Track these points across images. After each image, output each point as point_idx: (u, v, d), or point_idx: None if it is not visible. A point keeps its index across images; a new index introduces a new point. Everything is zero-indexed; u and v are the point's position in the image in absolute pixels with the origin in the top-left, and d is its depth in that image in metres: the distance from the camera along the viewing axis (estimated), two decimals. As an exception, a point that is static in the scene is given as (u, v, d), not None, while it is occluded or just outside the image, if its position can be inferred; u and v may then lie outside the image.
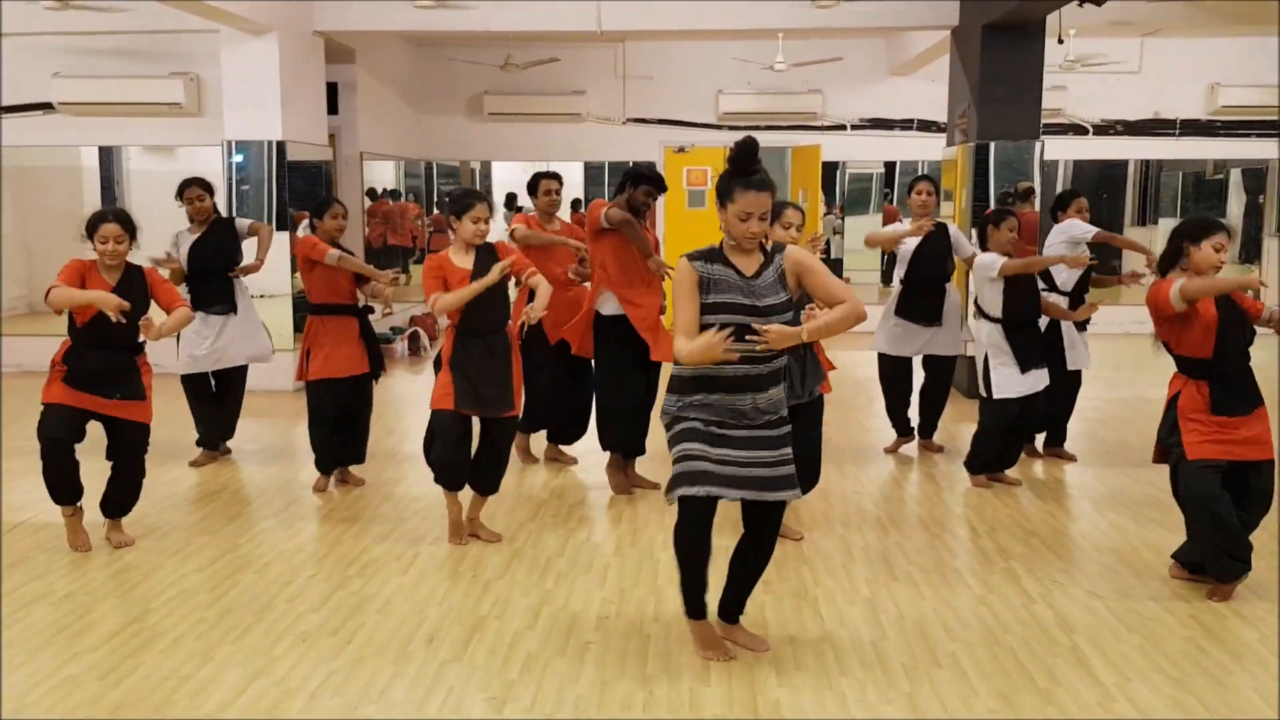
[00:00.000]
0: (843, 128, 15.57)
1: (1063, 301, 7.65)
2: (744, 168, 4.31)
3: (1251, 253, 16.13)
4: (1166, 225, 15.65)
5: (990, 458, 7.33)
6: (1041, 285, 7.49)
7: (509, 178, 17.19)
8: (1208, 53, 14.83)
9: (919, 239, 7.97)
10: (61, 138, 12.69)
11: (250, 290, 8.29)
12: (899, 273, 8.18)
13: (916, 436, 8.41)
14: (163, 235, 7.93)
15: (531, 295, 6.04)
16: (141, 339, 5.89)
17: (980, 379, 7.27)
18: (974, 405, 8.35)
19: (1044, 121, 10.53)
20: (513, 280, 6.10)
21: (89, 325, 5.82)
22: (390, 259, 15.75)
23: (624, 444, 7.27)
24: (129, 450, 6.12)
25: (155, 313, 5.99)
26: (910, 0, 10.77)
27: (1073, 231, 7.73)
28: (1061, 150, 15.08)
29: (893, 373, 8.25)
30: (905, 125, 15.50)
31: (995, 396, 7.12)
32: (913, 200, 8.10)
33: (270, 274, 8.54)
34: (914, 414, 8.40)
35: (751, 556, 4.67)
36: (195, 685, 4.45)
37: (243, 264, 8.09)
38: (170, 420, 8.05)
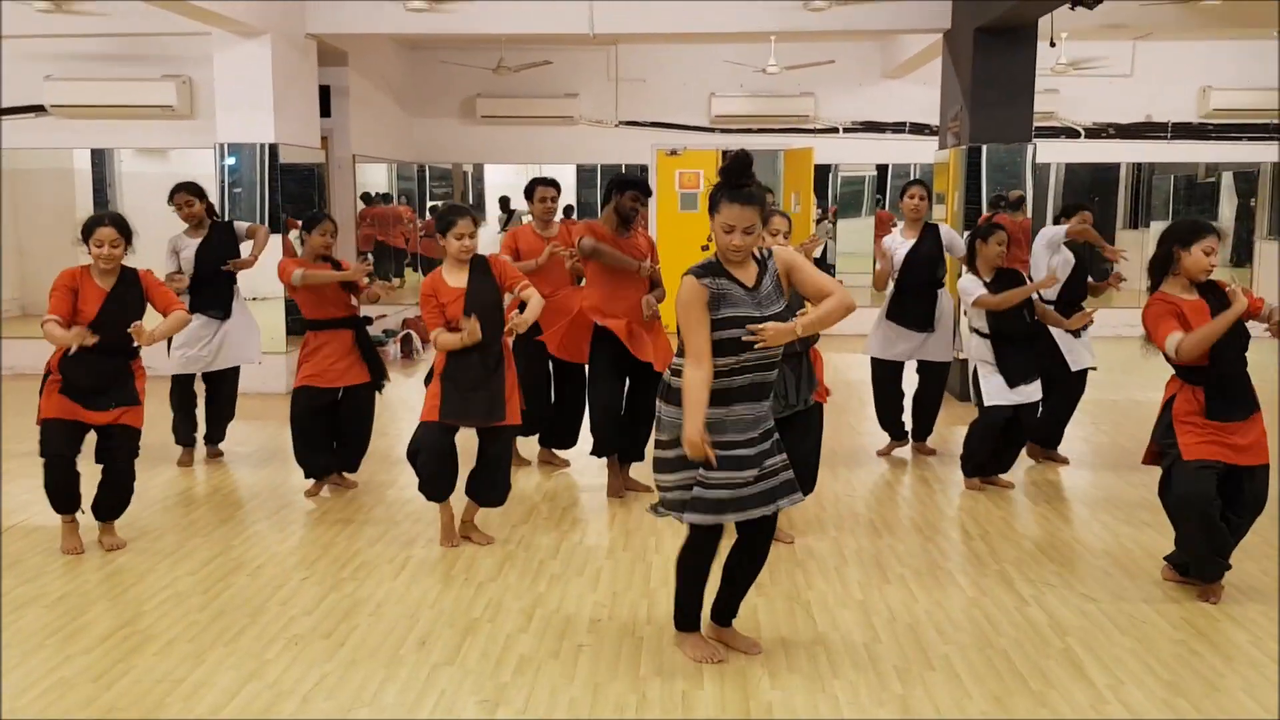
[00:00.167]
0: (835, 131, 15.58)
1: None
2: (734, 181, 4.32)
3: (1243, 256, 16.16)
4: (1158, 228, 15.64)
5: (981, 460, 7.34)
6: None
7: (502, 180, 17.19)
8: (1199, 56, 14.87)
9: (912, 242, 7.98)
10: (54, 140, 12.67)
11: (244, 293, 8.29)
12: (892, 276, 8.18)
13: (910, 440, 8.41)
14: (155, 239, 7.89)
15: (522, 307, 6.06)
16: (135, 344, 5.89)
17: (972, 389, 7.29)
18: (967, 409, 8.38)
19: (1036, 125, 10.54)
20: (509, 296, 6.13)
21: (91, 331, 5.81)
22: (383, 260, 15.75)
23: (615, 448, 7.26)
24: (120, 454, 6.11)
25: (153, 317, 5.99)
26: (902, 2, 10.79)
27: (1048, 235, 7.74)
28: (1054, 153, 15.10)
29: (883, 376, 8.25)
30: (897, 128, 15.51)
31: (987, 404, 7.13)
32: (905, 205, 8.11)
33: (263, 277, 8.53)
34: (907, 418, 8.40)
35: (746, 561, 4.67)
36: (188, 688, 4.44)
37: (238, 260, 8.08)
38: (162, 423, 8.04)
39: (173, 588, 5.58)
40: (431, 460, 6.01)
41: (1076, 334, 7.66)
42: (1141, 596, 5.44)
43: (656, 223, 14.64)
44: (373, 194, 15.19)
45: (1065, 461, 8.04)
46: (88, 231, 5.92)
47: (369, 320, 7.37)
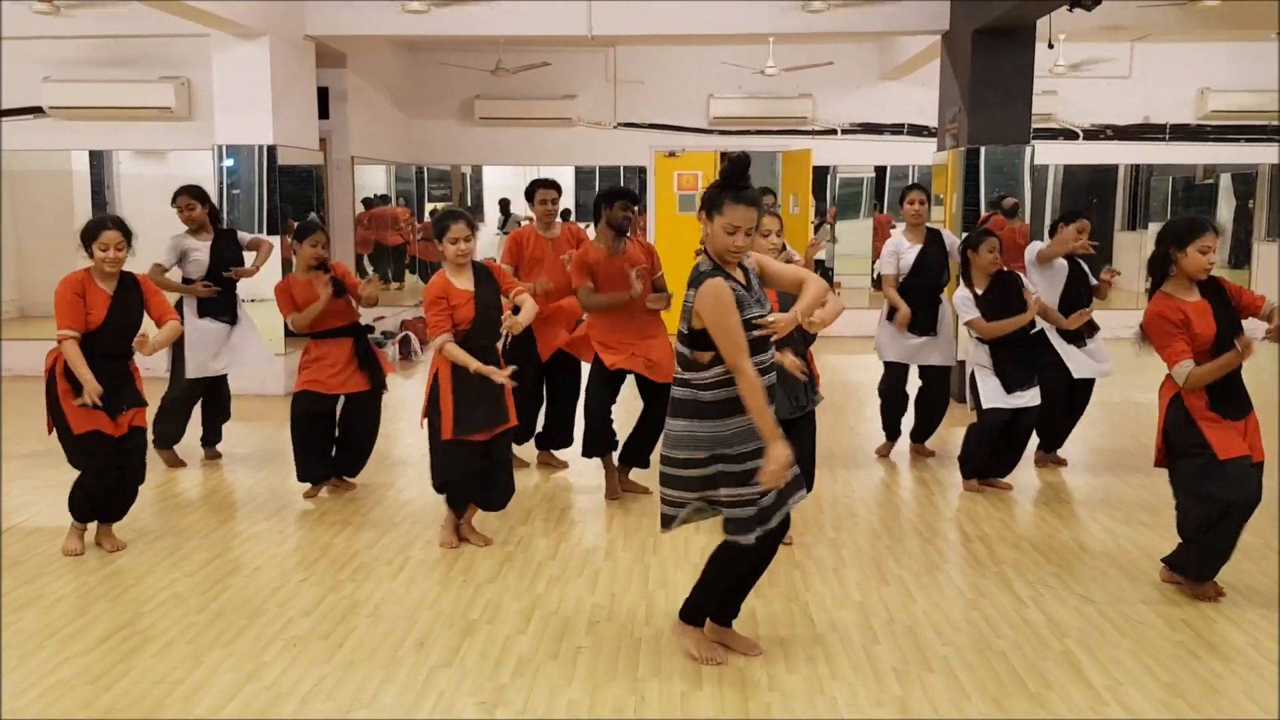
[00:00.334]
0: (833, 132, 15.58)
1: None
2: (736, 182, 4.34)
3: (1241, 257, 16.18)
4: (1156, 230, 15.66)
5: (978, 463, 7.34)
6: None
7: (500, 182, 17.21)
8: (1197, 58, 14.89)
9: (919, 248, 7.98)
10: (52, 142, 12.67)
11: (242, 295, 8.29)
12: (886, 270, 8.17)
13: (909, 441, 8.41)
14: (154, 240, 7.88)
15: (515, 310, 6.07)
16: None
17: (969, 392, 7.29)
18: (965, 411, 8.36)
19: (1034, 126, 10.53)
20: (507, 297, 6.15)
21: (85, 338, 5.80)
22: (381, 262, 15.76)
23: (606, 450, 7.27)
24: (136, 457, 6.12)
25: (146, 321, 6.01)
26: (900, 3, 10.79)
27: (1029, 256, 7.68)
28: (1052, 155, 15.12)
29: (896, 379, 8.22)
30: (896, 130, 15.52)
31: (985, 406, 7.13)
32: (906, 210, 8.11)
33: (262, 281, 8.52)
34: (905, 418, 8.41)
35: (756, 562, 4.67)
36: (186, 689, 4.44)
37: (240, 267, 8.09)
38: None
39: (171, 589, 5.58)
40: (471, 483, 6.08)
41: (1083, 342, 7.62)
42: (1140, 598, 5.44)
43: (655, 224, 14.66)
44: (372, 196, 15.21)
45: (1064, 463, 8.04)
46: (91, 235, 5.85)
47: (370, 329, 7.35)
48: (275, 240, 9.45)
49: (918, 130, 15.22)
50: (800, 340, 5.77)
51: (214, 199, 8.40)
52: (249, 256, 8.22)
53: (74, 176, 13.38)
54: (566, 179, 16.19)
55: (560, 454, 8.09)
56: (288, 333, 10.59)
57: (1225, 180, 16.48)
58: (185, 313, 7.79)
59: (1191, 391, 5.21)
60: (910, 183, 9.11)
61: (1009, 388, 7.06)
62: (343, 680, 4.52)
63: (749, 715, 4.22)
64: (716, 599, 4.72)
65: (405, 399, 10.62)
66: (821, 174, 16.01)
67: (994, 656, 4.75)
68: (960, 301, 7.16)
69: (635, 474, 7.35)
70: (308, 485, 7.22)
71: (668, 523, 4.56)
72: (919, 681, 4.50)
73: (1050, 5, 9.08)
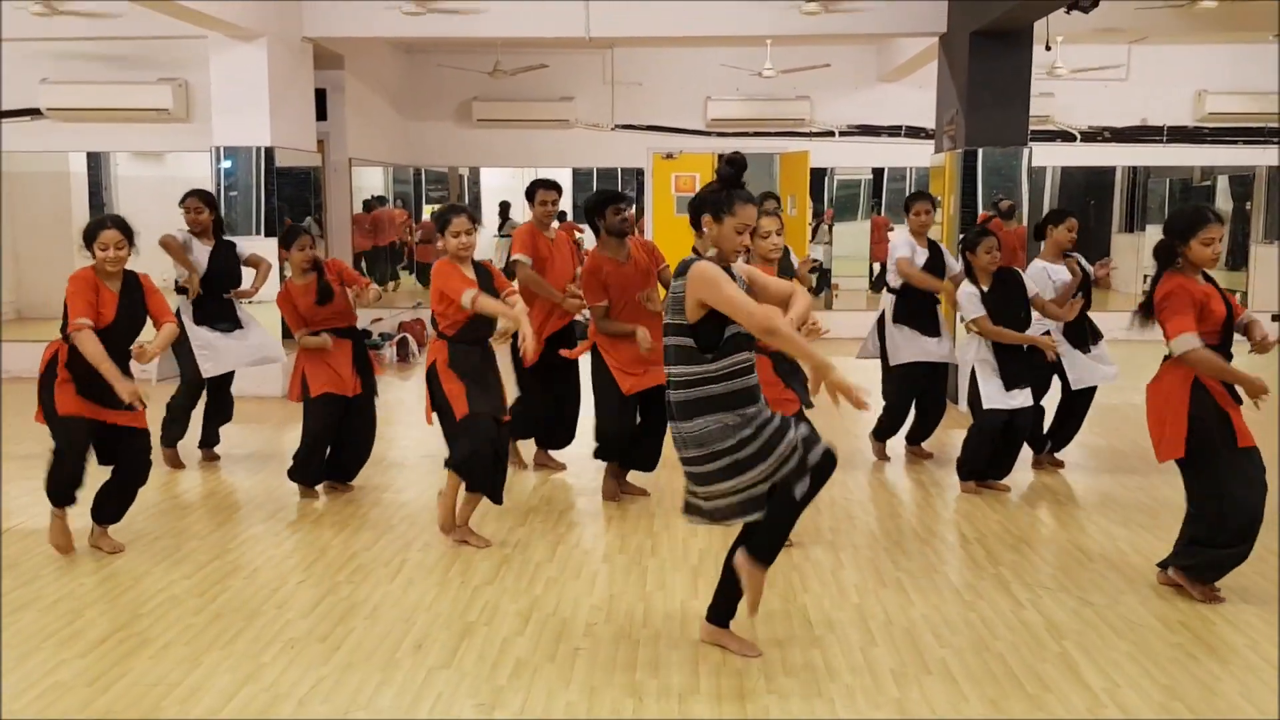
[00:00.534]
0: (831, 134, 15.61)
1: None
2: (738, 183, 4.38)
3: (1238, 259, 16.19)
4: (1154, 231, 15.70)
5: (977, 465, 7.34)
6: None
7: (498, 184, 17.22)
8: (1195, 60, 14.91)
9: (926, 254, 7.98)
10: (50, 144, 12.67)
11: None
12: (893, 281, 8.16)
13: (906, 443, 8.41)
14: (151, 241, 7.86)
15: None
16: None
17: (968, 392, 7.28)
18: (965, 413, 8.36)
19: (1032, 128, 10.55)
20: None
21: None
22: (378, 263, 15.75)
23: (621, 457, 7.25)
24: (138, 459, 6.12)
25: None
26: (898, 2, 10.80)
27: (1032, 274, 7.63)
28: (1049, 157, 15.13)
29: (913, 382, 8.17)
30: (893, 131, 15.54)
31: (985, 406, 7.13)
32: (912, 221, 8.10)
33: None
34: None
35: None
36: (184, 691, 4.43)
37: (240, 288, 8.09)
38: (153, 426, 8.02)
39: (169, 591, 5.57)
40: (491, 454, 5.98)
41: (1087, 348, 7.64)
42: (1138, 600, 5.44)
43: (652, 226, 14.65)
44: (369, 197, 15.21)
45: (1061, 465, 8.05)
46: (91, 235, 5.88)
47: (368, 333, 7.36)
48: (274, 254, 9.42)
49: (915, 132, 15.24)
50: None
51: (212, 201, 8.38)
52: (246, 273, 8.19)
53: (71, 178, 13.39)
54: (564, 181, 16.21)
55: (558, 455, 8.08)
56: (285, 334, 10.58)
57: (1222, 182, 16.50)
58: (183, 320, 7.78)
59: (1209, 376, 5.18)
60: (916, 191, 9.08)
61: (1008, 385, 7.07)
62: (341, 682, 4.52)
63: (747, 716, 4.22)
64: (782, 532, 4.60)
65: (403, 400, 10.62)
66: (819, 176, 16.02)
67: (992, 658, 4.75)
68: (966, 298, 7.15)
69: (633, 476, 7.35)
70: (303, 486, 7.23)
71: (716, 518, 4.51)
72: (917, 683, 4.50)
73: (1048, 7, 9.09)
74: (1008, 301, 7.11)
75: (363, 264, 14.76)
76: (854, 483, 7.70)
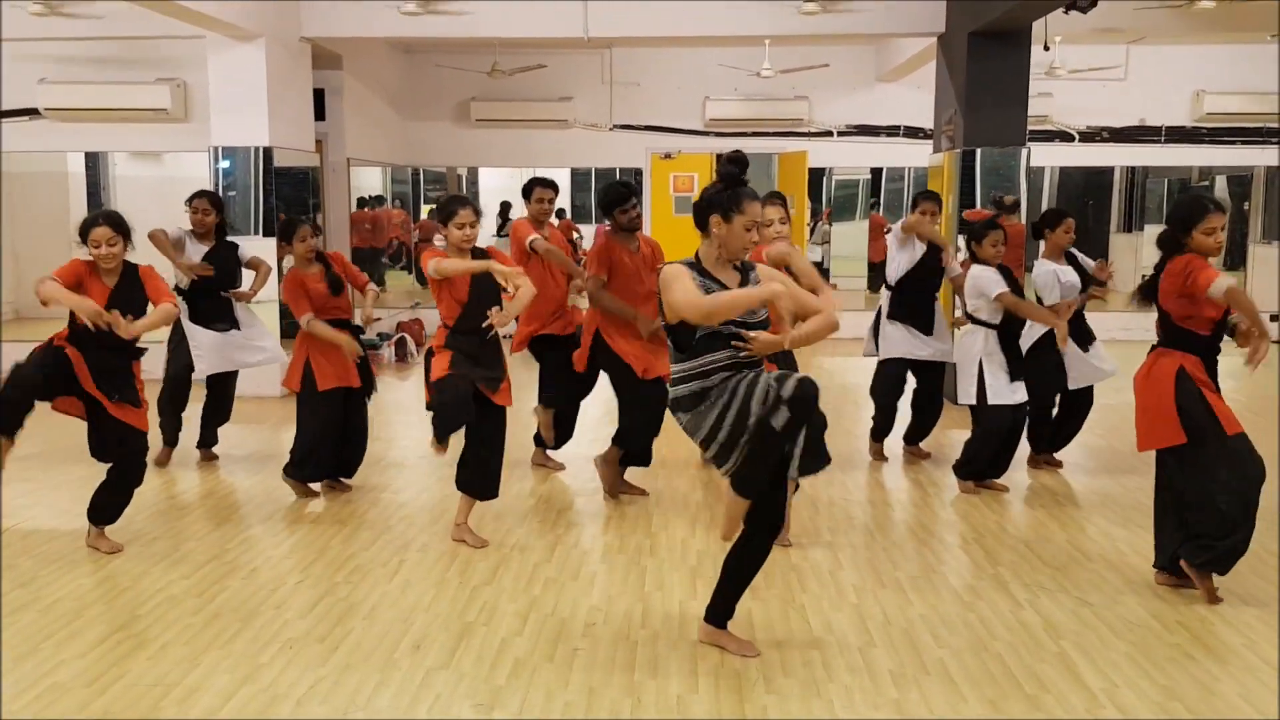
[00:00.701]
0: (829, 134, 15.60)
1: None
2: (740, 180, 4.40)
3: (1236, 259, 16.19)
4: (1152, 232, 15.62)
5: (978, 466, 7.33)
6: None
7: (497, 184, 17.22)
8: (1193, 60, 14.91)
9: (924, 249, 7.98)
10: (48, 144, 12.66)
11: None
12: (891, 277, 8.16)
13: (904, 444, 8.41)
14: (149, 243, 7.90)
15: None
16: (137, 344, 5.92)
17: (975, 386, 7.24)
18: (961, 412, 8.37)
19: (1030, 128, 10.56)
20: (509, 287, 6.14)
21: (85, 330, 5.80)
22: (376, 263, 15.75)
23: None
24: (133, 460, 6.11)
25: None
26: (896, 2, 10.80)
27: (1046, 279, 7.64)
28: (1047, 157, 15.13)
29: (900, 376, 8.20)
30: (891, 131, 15.53)
31: (990, 401, 7.11)
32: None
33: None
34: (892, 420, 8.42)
35: (748, 555, 4.67)
36: (182, 692, 4.43)
37: (238, 290, 8.06)
38: (152, 427, 8.03)
39: (167, 591, 5.57)
40: (456, 397, 5.95)
41: (1085, 347, 7.65)
42: (1137, 600, 5.44)
43: (651, 227, 14.65)
44: (366, 197, 15.21)
45: (1060, 465, 8.05)
46: (84, 233, 5.92)
47: (361, 330, 7.36)
48: (272, 253, 9.41)
49: (914, 132, 15.24)
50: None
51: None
52: (247, 276, 8.16)
53: (69, 178, 13.40)
54: (563, 181, 16.23)
55: (557, 455, 8.08)
56: (284, 334, 10.59)
57: (1221, 182, 16.52)
58: (180, 319, 7.77)
59: (1189, 356, 5.26)
60: (923, 190, 9.07)
61: (1013, 375, 7.10)
62: (339, 682, 4.52)
63: (745, 717, 4.22)
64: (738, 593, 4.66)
65: (401, 401, 10.62)
66: (817, 176, 16.03)
67: (990, 659, 4.75)
68: (987, 278, 7.12)
69: (633, 475, 7.35)
70: (301, 485, 7.22)
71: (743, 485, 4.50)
72: (915, 684, 4.50)
73: (1046, 7, 9.09)
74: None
75: (361, 262, 14.74)
76: (852, 483, 7.70)
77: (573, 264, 7.59)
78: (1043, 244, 7.67)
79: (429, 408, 6.13)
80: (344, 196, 13.76)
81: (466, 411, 6.00)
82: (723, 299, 4.28)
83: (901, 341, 8.07)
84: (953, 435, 8.72)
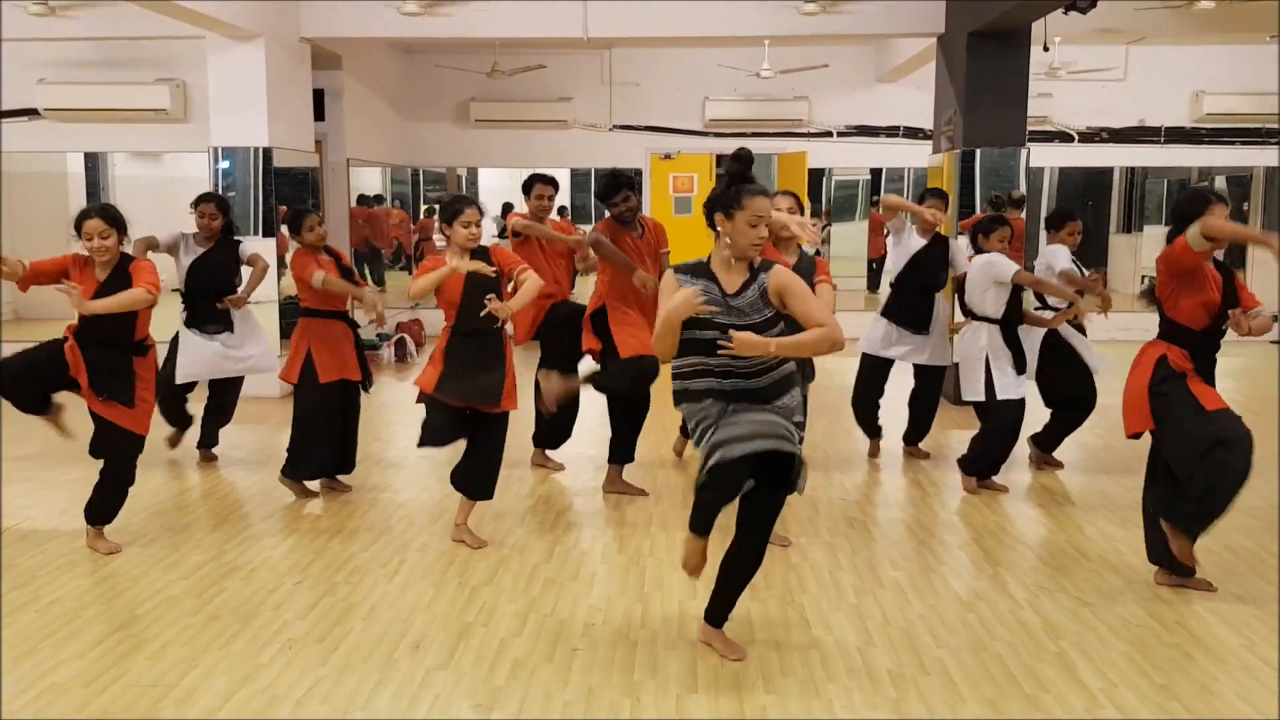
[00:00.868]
0: (829, 134, 15.60)
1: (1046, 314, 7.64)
2: (744, 177, 4.41)
3: (1235, 260, 16.18)
4: (1151, 232, 15.73)
5: (984, 465, 7.32)
6: (1036, 305, 7.61)
7: (496, 184, 17.19)
8: (1193, 60, 14.92)
9: (925, 243, 7.97)
10: (47, 144, 12.66)
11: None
12: (892, 271, 8.17)
13: (903, 444, 8.42)
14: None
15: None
16: (148, 344, 5.96)
17: (982, 384, 7.23)
18: (961, 411, 8.38)
19: (1030, 129, 10.56)
20: (510, 284, 6.14)
21: (83, 320, 5.86)
22: (375, 263, 15.74)
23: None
24: (118, 458, 6.12)
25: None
26: (896, 2, 10.80)
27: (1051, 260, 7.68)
28: (1047, 157, 15.13)
29: (874, 373, 8.22)
30: (891, 132, 15.53)
31: (1000, 397, 7.11)
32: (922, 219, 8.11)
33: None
34: (886, 418, 8.41)
35: (745, 556, 4.67)
36: (181, 692, 4.43)
37: (232, 296, 8.01)
38: (153, 427, 8.02)
39: (166, 592, 5.57)
40: (439, 427, 6.04)
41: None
42: (1135, 600, 5.44)
43: (650, 227, 14.65)
44: (367, 195, 15.20)
45: (1059, 465, 8.05)
46: (77, 226, 5.94)
47: (357, 324, 7.36)
48: (272, 253, 9.41)
49: (913, 133, 15.24)
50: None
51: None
52: (246, 273, 8.15)
53: (69, 178, 13.40)
54: (562, 181, 16.18)
55: (556, 456, 8.08)
56: (284, 334, 10.59)
57: (1220, 183, 16.50)
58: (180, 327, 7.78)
59: (1178, 349, 5.35)
60: (931, 188, 9.07)
61: (1020, 368, 7.13)
62: (338, 683, 4.52)
63: (744, 717, 4.22)
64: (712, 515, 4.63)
65: (400, 401, 10.62)
66: (817, 176, 16.02)
67: (989, 659, 4.75)
68: (1001, 261, 7.18)
69: (632, 475, 7.35)
70: (299, 484, 7.22)
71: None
72: (914, 684, 4.50)
73: (1046, 7, 9.09)
74: (1014, 294, 7.20)
75: (361, 261, 14.76)
76: (852, 483, 7.70)
77: (555, 233, 7.60)
78: (1045, 238, 7.74)
79: (419, 400, 6.18)
80: (344, 197, 13.76)
81: (452, 436, 6.10)
82: (657, 326, 4.37)
83: (880, 340, 8.10)
84: (952, 436, 8.73)
